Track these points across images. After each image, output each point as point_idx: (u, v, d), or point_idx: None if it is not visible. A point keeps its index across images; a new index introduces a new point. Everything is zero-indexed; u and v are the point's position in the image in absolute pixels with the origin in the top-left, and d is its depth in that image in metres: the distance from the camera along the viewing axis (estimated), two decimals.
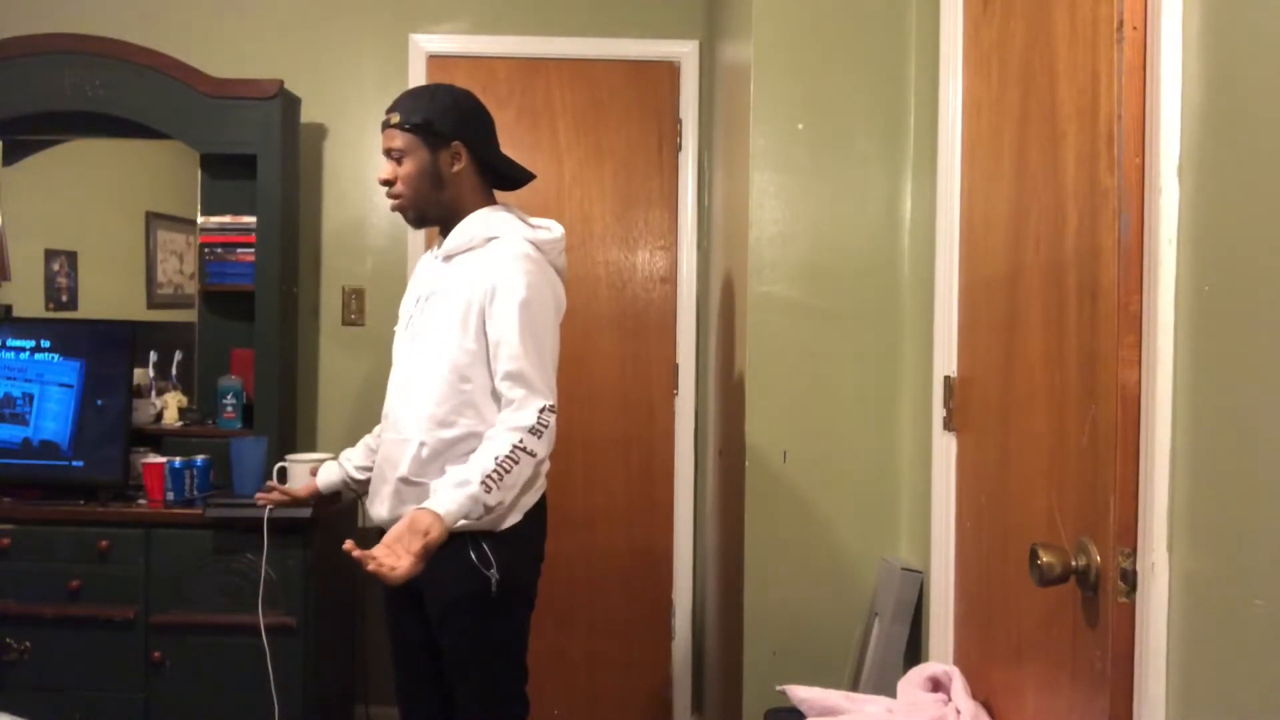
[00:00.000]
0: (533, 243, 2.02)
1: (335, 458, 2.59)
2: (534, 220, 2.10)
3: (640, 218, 3.44)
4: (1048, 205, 1.50)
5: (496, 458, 1.87)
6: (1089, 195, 1.35)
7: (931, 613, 2.02)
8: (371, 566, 1.71)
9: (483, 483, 1.84)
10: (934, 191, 2.05)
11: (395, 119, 2.03)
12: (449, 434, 1.97)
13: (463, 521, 1.85)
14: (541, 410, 1.92)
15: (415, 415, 2.00)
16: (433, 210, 2.07)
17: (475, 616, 1.97)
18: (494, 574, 1.94)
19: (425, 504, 1.82)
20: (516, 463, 1.88)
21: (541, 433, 1.91)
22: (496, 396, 1.97)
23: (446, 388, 1.97)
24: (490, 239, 2.02)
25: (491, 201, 2.11)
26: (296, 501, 2.40)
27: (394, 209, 2.08)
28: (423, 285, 2.10)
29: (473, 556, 1.94)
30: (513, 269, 1.95)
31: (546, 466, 2.10)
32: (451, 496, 1.83)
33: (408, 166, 2.03)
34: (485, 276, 1.96)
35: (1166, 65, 1.17)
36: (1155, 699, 1.17)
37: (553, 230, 2.09)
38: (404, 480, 2.00)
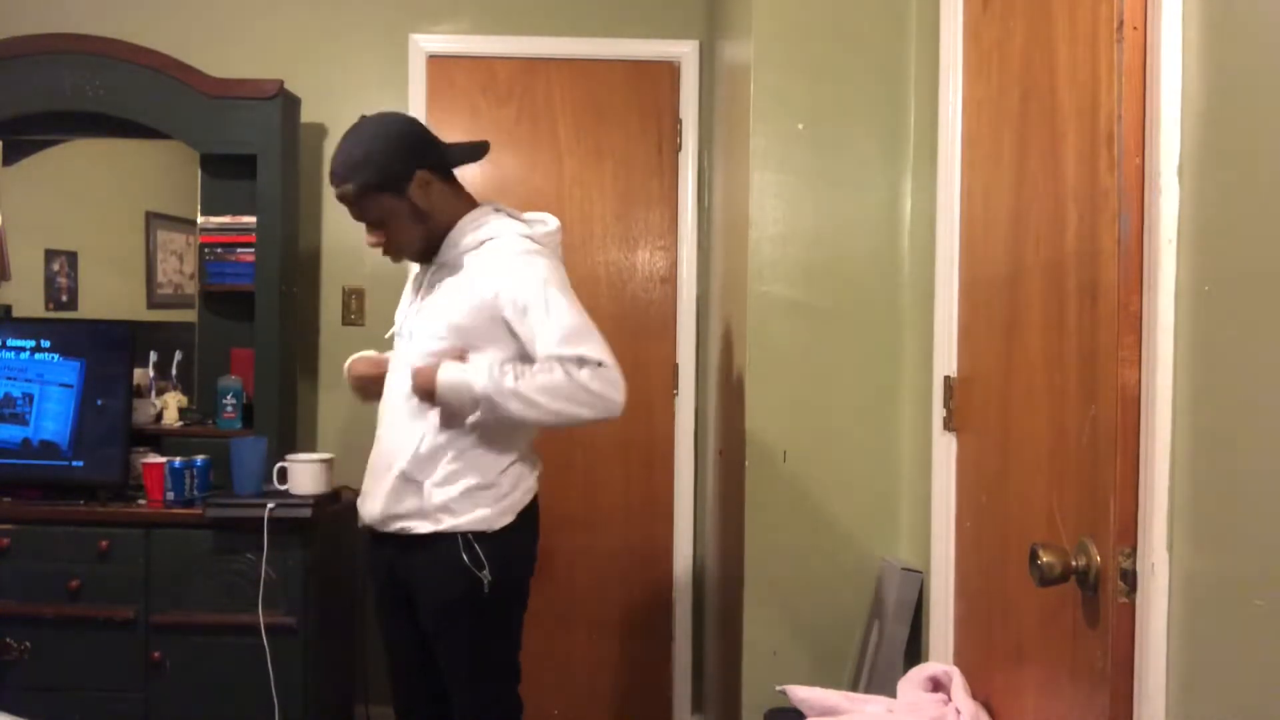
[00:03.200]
0: (531, 238, 2.01)
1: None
2: (527, 215, 2.07)
3: (640, 218, 3.44)
4: (1048, 205, 1.50)
5: (532, 370, 1.89)
6: (1089, 195, 1.35)
7: (931, 613, 2.02)
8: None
9: (505, 372, 1.88)
10: (934, 191, 2.05)
11: (348, 190, 1.94)
12: (449, 432, 1.96)
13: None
14: (600, 364, 1.89)
15: (415, 411, 1.99)
16: (427, 242, 2.03)
17: (468, 617, 1.98)
18: (486, 575, 1.95)
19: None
20: (550, 372, 1.87)
21: (600, 372, 1.88)
22: None
23: None
24: (484, 240, 2.00)
25: (471, 203, 2.08)
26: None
27: (396, 261, 2.07)
28: (419, 286, 2.09)
29: (465, 558, 1.94)
30: (524, 265, 1.94)
31: (539, 468, 2.09)
32: (465, 367, 1.91)
33: (387, 226, 1.99)
34: (495, 276, 1.94)
35: (1166, 65, 1.17)
36: (1155, 699, 1.17)
37: (549, 223, 2.07)
38: (403, 475, 1.98)
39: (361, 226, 3.41)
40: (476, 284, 1.95)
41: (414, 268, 2.21)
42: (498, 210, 2.06)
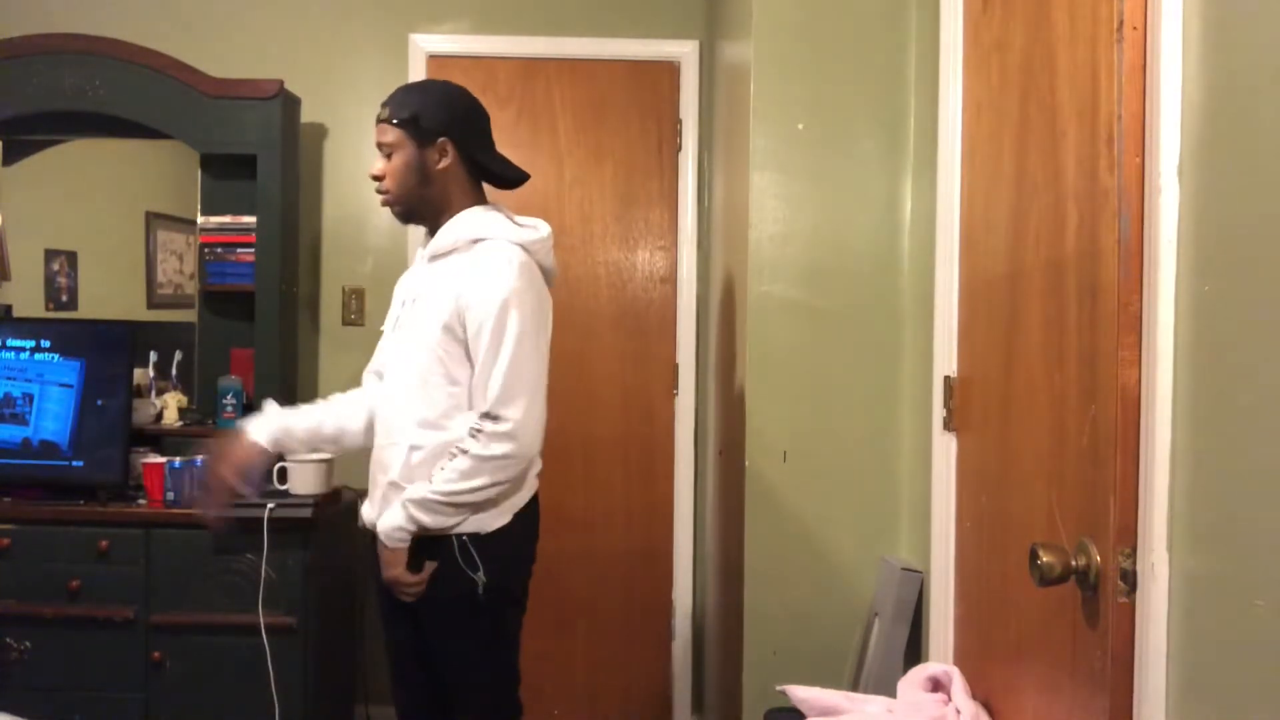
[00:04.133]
0: (521, 244, 1.99)
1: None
2: (521, 219, 2.06)
3: (640, 218, 3.44)
4: (1048, 205, 1.50)
5: (440, 466, 1.93)
6: (1089, 195, 1.35)
7: (931, 613, 2.02)
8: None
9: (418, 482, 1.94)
10: (934, 191, 2.05)
11: (385, 113, 2.03)
12: (440, 437, 1.95)
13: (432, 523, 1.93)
14: (479, 418, 1.91)
15: (403, 419, 1.98)
16: (419, 207, 2.05)
17: (463, 619, 1.98)
18: (480, 576, 1.94)
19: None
20: (452, 458, 1.91)
21: (477, 435, 1.90)
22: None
23: (435, 391, 1.96)
24: (476, 240, 1.99)
25: (481, 201, 2.09)
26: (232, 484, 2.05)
27: (383, 204, 2.08)
28: (408, 288, 2.09)
29: (459, 560, 1.94)
30: (497, 281, 1.92)
31: (537, 467, 2.06)
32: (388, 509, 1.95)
33: (396, 161, 2.02)
34: (470, 281, 1.94)
35: (1166, 65, 1.17)
36: (1155, 699, 1.17)
37: (540, 230, 2.05)
38: (394, 484, 1.98)
39: (361, 223, 3.42)
40: (456, 292, 1.95)
41: (400, 281, 2.20)
42: (496, 210, 2.06)
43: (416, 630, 2.05)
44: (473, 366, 1.95)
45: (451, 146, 2.03)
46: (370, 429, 2.15)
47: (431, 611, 2.00)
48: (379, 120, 2.04)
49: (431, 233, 2.08)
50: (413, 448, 1.96)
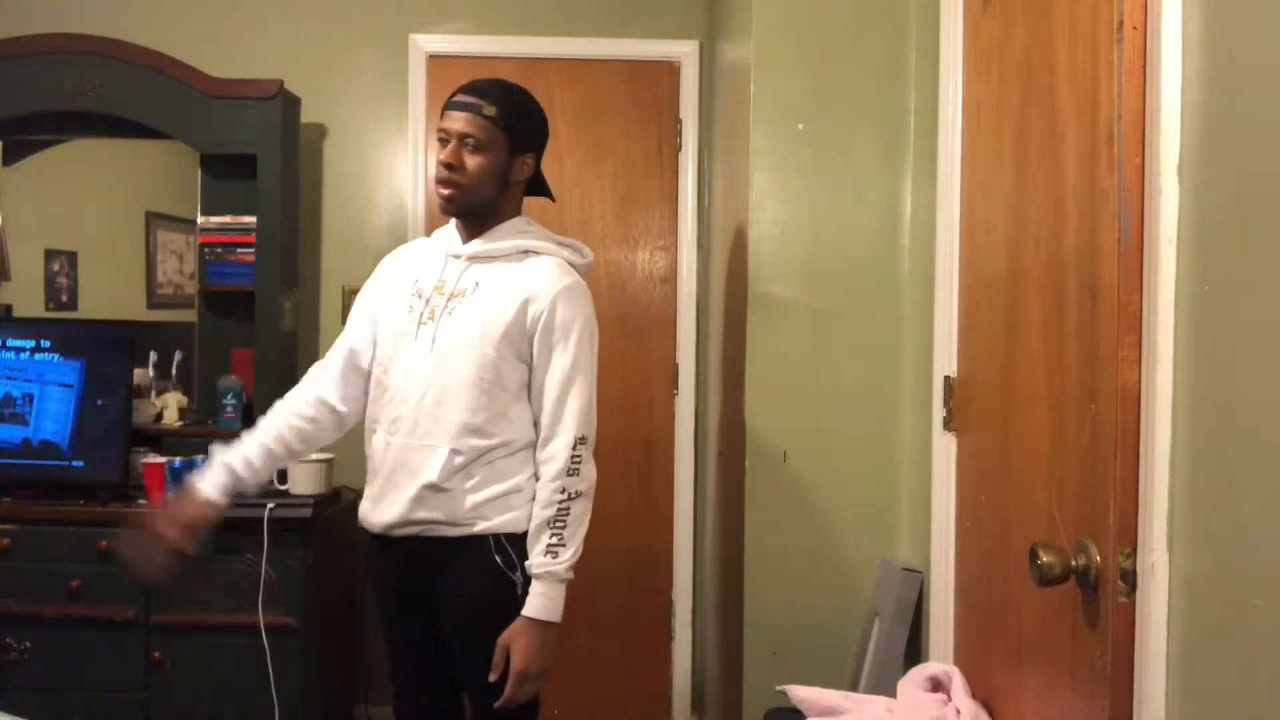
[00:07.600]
0: (575, 266, 2.01)
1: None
2: (564, 240, 2.06)
3: (640, 218, 3.44)
4: (1048, 205, 1.50)
5: (549, 521, 1.89)
6: (1089, 195, 1.35)
7: (931, 613, 2.02)
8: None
9: (549, 552, 1.88)
10: (934, 191, 2.05)
11: (490, 110, 1.93)
12: (484, 443, 1.91)
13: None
14: (573, 446, 1.91)
15: (446, 421, 1.91)
16: (480, 209, 1.98)
17: (499, 619, 1.91)
18: (519, 576, 1.91)
19: (523, 613, 1.88)
20: (568, 512, 1.90)
21: (578, 469, 1.90)
22: (527, 402, 1.96)
23: (484, 396, 1.91)
24: (526, 251, 1.98)
25: (520, 211, 2.07)
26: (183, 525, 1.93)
27: (444, 195, 1.95)
28: (435, 279, 1.99)
29: (497, 560, 1.91)
30: (569, 298, 1.93)
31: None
32: (537, 593, 1.88)
33: (482, 159, 1.93)
34: (539, 295, 1.91)
35: (1166, 65, 1.17)
36: (1155, 699, 1.17)
37: (585, 256, 2.08)
38: (431, 486, 1.91)
39: (361, 223, 3.40)
40: (522, 301, 1.92)
41: (397, 264, 2.12)
42: (536, 225, 2.05)
43: (431, 635, 2.00)
44: (530, 380, 1.95)
45: (533, 161, 2.03)
46: (336, 420, 2.13)
47: (465, 613, 1.95)
48: (471, 109, 1.92)
49: (471, 232, 2.01)
50: (454, 452, 1.90)
